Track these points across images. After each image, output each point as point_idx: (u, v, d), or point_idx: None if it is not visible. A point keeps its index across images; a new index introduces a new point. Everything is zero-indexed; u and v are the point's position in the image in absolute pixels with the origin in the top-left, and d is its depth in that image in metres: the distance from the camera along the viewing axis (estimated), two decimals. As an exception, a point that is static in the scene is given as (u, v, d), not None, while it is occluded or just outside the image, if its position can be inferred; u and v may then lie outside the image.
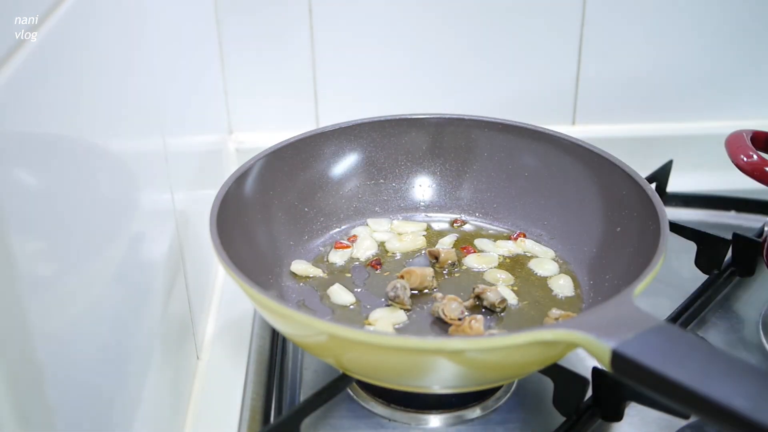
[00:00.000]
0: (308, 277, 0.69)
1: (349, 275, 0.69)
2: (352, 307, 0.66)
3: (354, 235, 0.74)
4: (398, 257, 0.72)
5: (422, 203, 0.78)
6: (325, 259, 0.71)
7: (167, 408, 0.57)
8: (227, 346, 0.70)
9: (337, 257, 0.71)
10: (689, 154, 0.93)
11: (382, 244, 0.73)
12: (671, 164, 0.86)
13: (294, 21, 0.89)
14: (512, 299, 0.66)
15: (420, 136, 0.78)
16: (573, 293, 0.67)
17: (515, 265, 0.71)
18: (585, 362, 0.62)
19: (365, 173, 0.77)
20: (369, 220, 0.76)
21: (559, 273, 0.69)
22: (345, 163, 0.76)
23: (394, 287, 0.65)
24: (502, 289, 0.67)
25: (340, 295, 0.66)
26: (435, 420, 0.62)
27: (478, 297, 0.65)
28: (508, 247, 0.73)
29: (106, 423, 0.44)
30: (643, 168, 0.72)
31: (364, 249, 0.72)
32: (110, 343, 0.45)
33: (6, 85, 0.33)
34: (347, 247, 0.72)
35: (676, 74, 0.94)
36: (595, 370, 0.58)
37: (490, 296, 0.64)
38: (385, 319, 0.63)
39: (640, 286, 0.54)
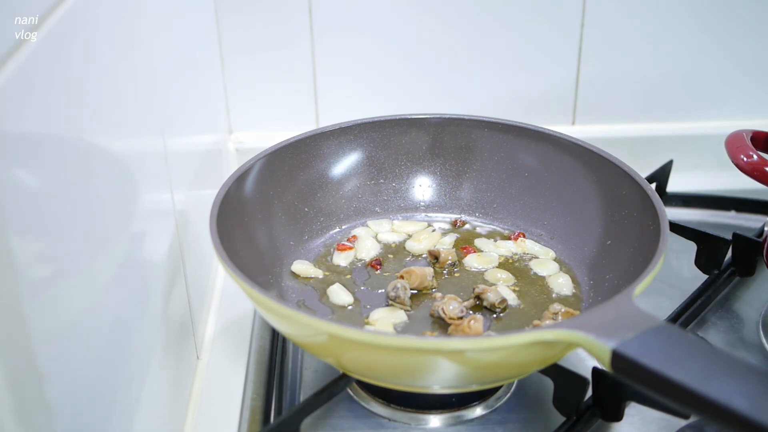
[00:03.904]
0: (309, 277, 0.69)
1: (349, 276, 0.69)
2: (350, 307, 0.66)
3: (354, 236, 0.74)
4: (409, 258, 0.72)
5: (422, 203, 0.78)
6: (328, 260, 0.71)
7: (167, 408, 0.57)
8: (227, 346, 0.70)
9: (341, 259, 0.71)
10: (689, 154, 0.93)
11: (401, 246, 0.73)
12: (671, 164, 0.86)
13: (294, 21, 0.89)
14: (512, 299, 0.66)
15: (420, 136, 0.78)
16: (573, 293, 0.67)
17: (515, 265, 0.71)
18: (585, 362, 0.62)
19: (365, 173, 0.77)
20: (369, 222, 0.76)
21: (559, 273, 0.69)
22: (345, 163, 0.76)
23: (395, 287, 0.65)
24: (502, 289, 0.67)
25: (340, 295, 0.66)
26: (435, 420, 0.62)
27: (478, 297, 0.65)
28: (508, 247, 0.73)
29: (106, 423, 0.44)
30: (643, 168, 0.72)
31: (367, 249, 0.72)
32: (110, 343, 0.45)
33: (6, 85, 0.33)
34: (350, 248, 0.72)
35: (676, 74, 0.94)
36: (595, 370, 0.58)
37: (490, 296, 0.64)
38: (385, 319, 0.63)
39: (640, 286, 0.54)
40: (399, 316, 0.64)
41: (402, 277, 0.67)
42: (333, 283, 0.68)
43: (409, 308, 0.65)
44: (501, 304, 0.64)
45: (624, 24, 0.91)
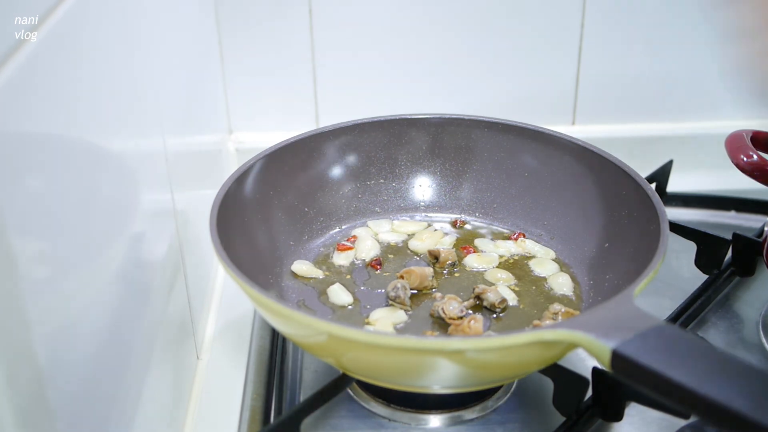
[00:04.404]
0: (309, 277, 0.69)
1: (349, 276, 0.69)
2: (350, 307, 0.66)
3: (354, 236, 0.74)
4: (410, 258, 0.72)
5: (422, 203, 0.78)
6: (329, 260, 0.71)
7: (167, 408, 0.57)
8: (227, 346, 0.70)
9: (342, 259, 0.71)
10: (689, 154, 0.93)
11: (402, 246, 0.73)
12: (671, 164, 0.86)
13: (294, 21, 0.89)
14: (512, 299, 0.66)
15: (420, 136, 0.78)
16: (573, 293, 0.67)
17: (515, 265, 0.71)
18: (585, 362, 0.62)
19: (365, 173, 0.77)
20: (369, 222, 0.76)
21: (559, 273, 0.69)
22: (345, 163, 0.76)
23: (395, 287, 0.65)
24: (502, 289, 0.67)
25: (339, 295, 0.66)
26: (435, 420, 0.62)
27: (478, 297, 0.65)
28: (508, 247, 0.73)
29: (106, 423, 0.44)
30: (643, 168, 0.72)
31: (367, 249, 0.72)
32: (110, 343, 0.45)
33: (6, 85, 0.33)
34: (350, 248, 0.72)
35: (676, 74, 0.94)
36: (595, 370, 0.58)
37: (490, 296, 0.64)
38: (385, 319, 0.63)
39: (640, 286, 0.54)
40: (399, 316, 0.64)
41: (402, 277, 0.67)
42: (333, 283, 0.68)
43: (408, 308, 0.65)
44: (501, 304, 0.64)
45: (624, 24, 0.91)
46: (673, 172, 0.86)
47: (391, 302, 0.65)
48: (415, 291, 0.67)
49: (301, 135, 0.74)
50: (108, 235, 0.46)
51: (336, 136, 0.75)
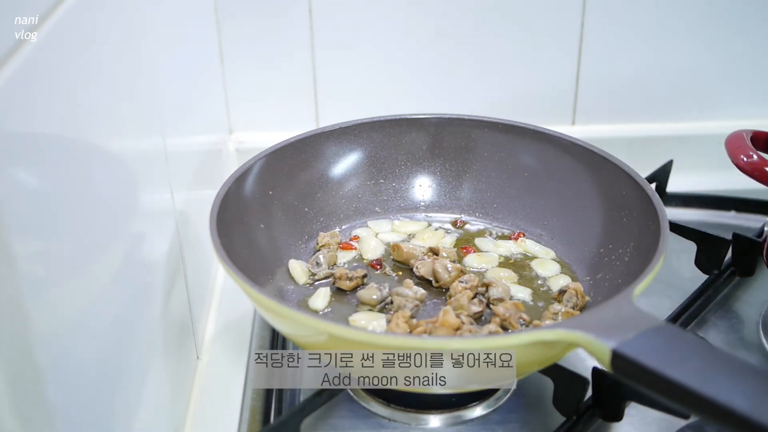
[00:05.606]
0: (294, 279, 0.69)
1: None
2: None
3: (356, 236, 0.74)
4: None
5: (422, 203, 0.78)
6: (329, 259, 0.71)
7: (167, 408, 0.57)
8: (227, 346, 0.70)
9: (344, 258, 0.71)
10: (689, 154, 0.93)
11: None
12: (671, 164, 0.86)
13: (294, 21, 0.89)
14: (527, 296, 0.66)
15: (420, 136, 0.78)
16: (573, 293, 0.67)
17: (515, 264, 0.71)
18: (585, 362, 0.62)
19: (365, 173, 0.77)
20: (369, 222, 0.76)
21: (559, 273, 0.69)
22: (345, 163, 0.76)
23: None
24: (509, 286, 0.67)
25: (316, 300, 0.66)
26: (435, 420, 0.62)
27: (486, 286, 0.65)
28: (508, 247, 0.73)
29: (106, 423, 0.44)
30: (643, 168, 0.72)
31: (372, 249, 0.72)
32: (110, 343, 0.45)
33: (6, 85, 0.33)
34: (353, 248, 0.72)
35: (676, 74, 0.94)
36: (595, 370, 0.58)
37: (494, 291, 0.64)
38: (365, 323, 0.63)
39: (640, 286, 0.54)
40: (379, 320, 0.63)
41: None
42: (320, 287, 0.68)
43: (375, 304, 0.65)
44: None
45: (624, 24, 0.91)
46: (673, 172, 0.86)
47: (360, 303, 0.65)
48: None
49: (301, 135, 0.74)
50: (108, 235, 0.46)
51: (336, 136, 0.75)
